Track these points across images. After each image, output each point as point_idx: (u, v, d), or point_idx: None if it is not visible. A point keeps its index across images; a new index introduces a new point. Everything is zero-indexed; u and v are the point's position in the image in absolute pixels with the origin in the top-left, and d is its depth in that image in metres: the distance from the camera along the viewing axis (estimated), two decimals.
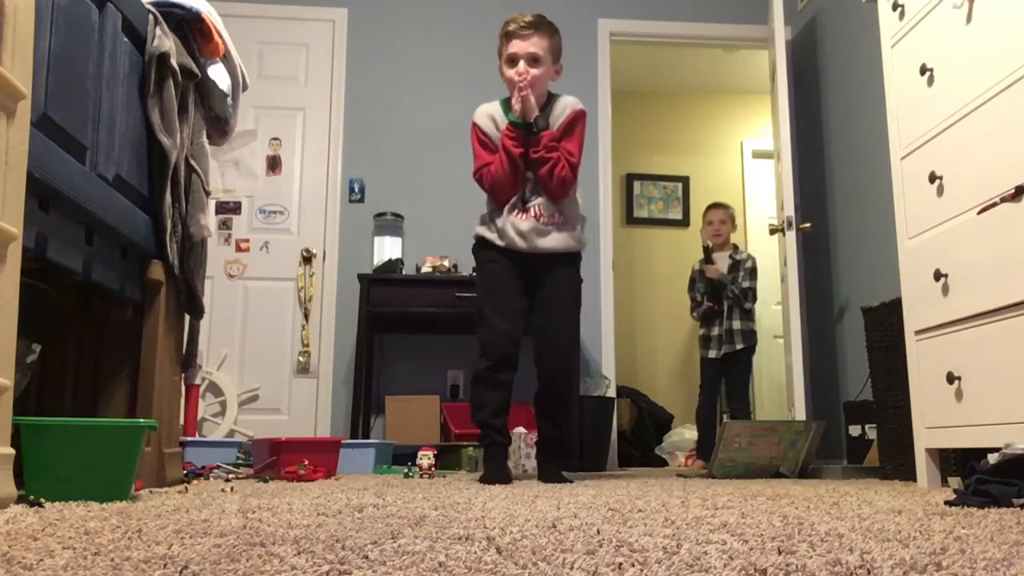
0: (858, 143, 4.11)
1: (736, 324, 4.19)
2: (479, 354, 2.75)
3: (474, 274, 3.21)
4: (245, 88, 2.69)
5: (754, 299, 4.24)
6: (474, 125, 2.87)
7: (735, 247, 4.40)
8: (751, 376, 4.44)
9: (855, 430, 3.60)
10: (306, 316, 4.50)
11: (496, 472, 2.62)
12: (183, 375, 2.46)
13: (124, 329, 2.22)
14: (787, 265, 4.13)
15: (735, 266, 4.29)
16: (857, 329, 3.91)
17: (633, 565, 0.78)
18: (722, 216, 4.43)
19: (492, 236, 2.83)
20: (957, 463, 2.43)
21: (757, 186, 6.32)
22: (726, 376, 4.24)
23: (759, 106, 6.32)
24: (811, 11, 4.73)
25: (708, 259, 4.29)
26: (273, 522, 1.20)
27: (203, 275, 2.45)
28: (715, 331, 4.23)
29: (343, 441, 3.16)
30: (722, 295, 4.21)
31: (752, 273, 4.25)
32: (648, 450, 5.16)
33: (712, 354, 4.21)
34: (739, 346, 4.15)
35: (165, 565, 0.77)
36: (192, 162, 2.35)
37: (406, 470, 2.93)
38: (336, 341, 4.50)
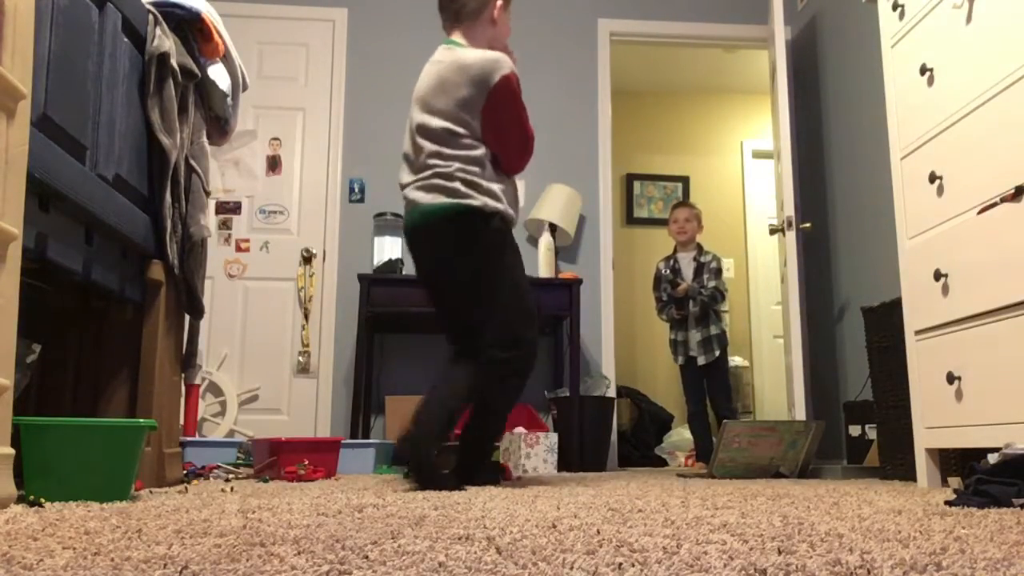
0: (858, 143, 4.11)
1: (712, 330, 4.20)
2: (527, 348, 2.44)
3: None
4: (245, 88, 2.69)
5: (723, 297, 4.25)
6: (516, 77, 2.48)
7: (699, 248, 4.39)
8: (729, 380, 4.46)
9: (855, 430, 3.60)
10: (306, 316, 4.50)
11: (493, 472, 2.52)
12: (183, 375, 2.46)
13: (124, 329, 2.22)
14: (787, 265, 4.13)
15: (700, 269, 4.30)
16: (857, 329, 3.92)
17: (633, 565, 0.78)
18: (687, 215, 4.39)
19: (511, 213, 2.50)
20: (957, 463, 2.43)
21: (757, 186, 6.32)
22: (709, 382, 4.24)
23: (759, 106, 6.32)
24: (811, 11, 4.73)
25: (674, 285, 4.26)
26: (273, 522, 1.20)
27: (203, 275, 2.45)
28: (681, 336, 4.25)
29: (343, 441, 3.16)
30: (689, 303, 4.21)
31: (717, 273, 4.26)
32: (648, 450, 5.16)
33: (681, 360, 4.24)
34: (717, 352, 4.17)
35: (165, 565, 0.77)
36: (192, 162, 2.35)
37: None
38: (336, 341, 4.50)
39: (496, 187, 2.42)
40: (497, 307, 2.40)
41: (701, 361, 4.19)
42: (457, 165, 2.39)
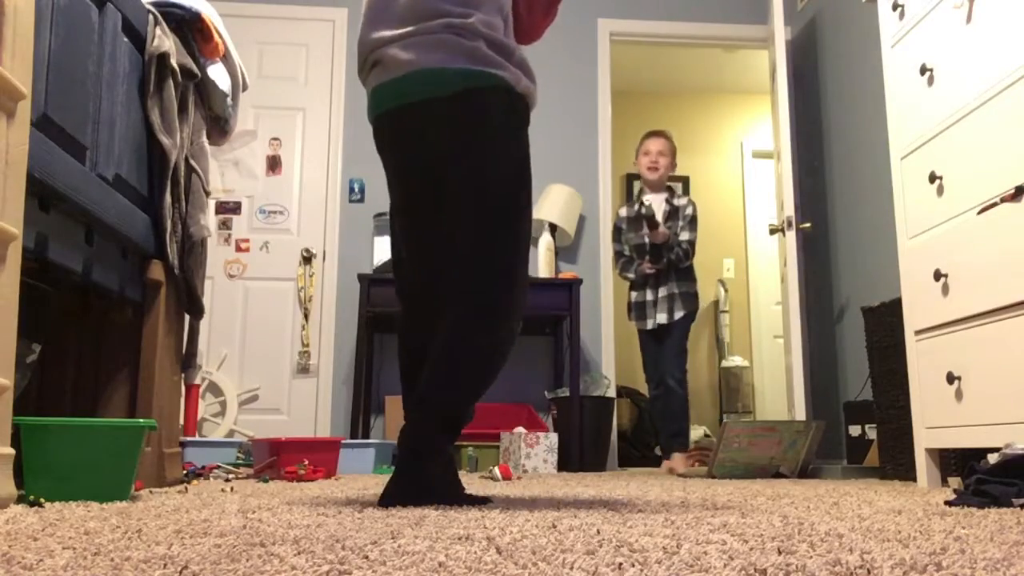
0: (858, 143, 4.11)
1: (676, 288, 3.60)
2: (516, 284, 1.63)
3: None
4: (245, 88, 2.69)
5: (693, 254, 3.64)
6: None
7: (671, 189, 3.76)
8: (687, 341, 3.73)
9: (855, 430, 3.59)
10: (306, 316, 4.50)
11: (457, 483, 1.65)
12: (183, 375, 2.46)
13: (124, 329, 2.22)
14: (787, 265, 4.13)
15: (673, 213, 3.65)
16: (857, 329, 3.91)
17: (633, 565, 0.78)
18: (661, 147, 3.69)
19: (533, 92, 1.75)
20: (957, 463, 2.43)
21: (757, 186, 6.32)
22: (663, 343, 3.62)
23: (759, 106, 6.32)
24: (811, 11, 4.73)
25: (652, 224, 3.54)
26: (273, 522, 1.20)
27: (203, 275, 2.45)
28: (651, 295, 3.64)
29: (343, 441, 3.16)
30: (663, 255, 3.57)
31: (693, 222, 3.63)
32: (648, 450, 5.16)
33: (651, 324, 3.64)
34: (678, 314, 3.59)
35: (165, 565, 0.77)
36: (192, 162, 2.36)
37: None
38: (336, 341, 4.50)
39: (525, 57, 1.73)
40: (501, 228, 1.63)
41: (662, 319, 3.58)
42: (480, 16, 1.64)
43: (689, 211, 3.65)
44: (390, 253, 1.88)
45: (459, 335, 1.59)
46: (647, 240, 3.52)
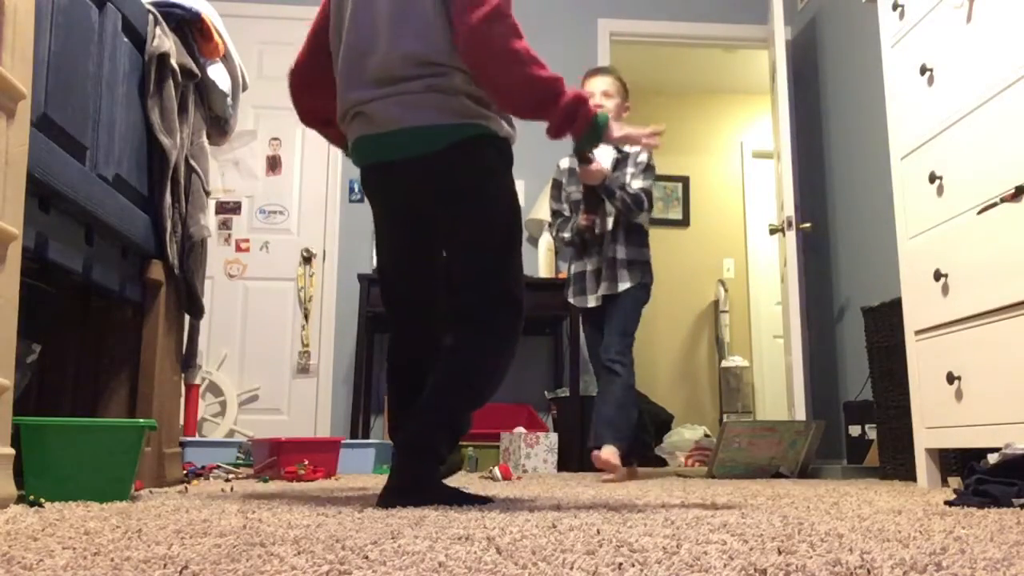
0: (858, 143, 4.10)
1: (622, 252, 2.93)
2: (515, 308, 1.74)
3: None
4: (245, 88, 2.69)
5: (650, 206, 2.93)
6: None
7: None
8: (637, 323, 3.03)
9: (855, 430, 3.59)
10: (306, 316, 4.50)
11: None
12: (183, 375, 2.46)
13: (124, 329, 2.22)
14: (787, 265, 4.12)
15: (623, 161, 2.98)
16: (857, 329, 3.91)
17: (633, 565, 0.78)
18: (604, 86, 2.99)
19: (514, 135, 1.80)
20: (957, 463, 2.43)
21: (757, 186, 6.32)
22: (604, 322, 2.99)
23: (759, 106, 6.31)
24: (811, 11, 4.73)
25: (583, 159, 2.83)
26: (273, 522, 1.20)
27: (203, 275, 2.45)
28: (590, 265, 2.99)
29: (343, 441, 3.16)
30: (603, 203, 2.90)
31: (648, 171, 2.95)
32: (648, 450, 5.16)
33: (592, 301, 2.99)
34: (622, 286, 2.91)
35: (165, 565, 0.77)
36: (192, 162, 2.36)
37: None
38: (336, 341, 4.50)
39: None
40: (498, 262, 1.74)
41: (602, 290, 2.93)
42: (462, 76, 1.67)
43: (643, 157, 2.96)
44: (376, 262, 1.94)
45: (466, 354, 1.70)
46: (586, 183, 2.85)
